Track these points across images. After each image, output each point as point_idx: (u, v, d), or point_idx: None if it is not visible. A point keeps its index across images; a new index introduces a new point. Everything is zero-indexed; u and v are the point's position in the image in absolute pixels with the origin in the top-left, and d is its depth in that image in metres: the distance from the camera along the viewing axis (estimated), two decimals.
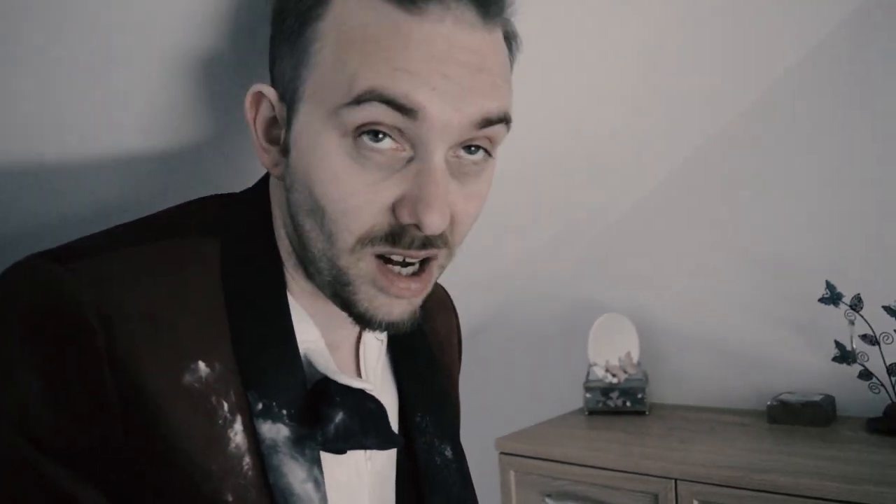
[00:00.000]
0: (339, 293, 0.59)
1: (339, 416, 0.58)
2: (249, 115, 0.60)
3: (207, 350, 0.55)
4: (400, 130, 0.54)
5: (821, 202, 1.58)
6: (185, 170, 0.85)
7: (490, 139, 0.58)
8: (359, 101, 0.52)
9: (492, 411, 2.02)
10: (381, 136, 0.53)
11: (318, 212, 0.56)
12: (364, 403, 0.61)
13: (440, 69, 0.53)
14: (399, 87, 0.52)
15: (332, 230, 0.56)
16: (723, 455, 1.34)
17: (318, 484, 0.57)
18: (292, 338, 0.59)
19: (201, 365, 0.54)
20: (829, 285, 1.47)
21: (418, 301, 0.61)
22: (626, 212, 1.85)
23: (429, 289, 0.61)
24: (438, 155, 0.55)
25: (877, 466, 1.20)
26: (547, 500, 1.48)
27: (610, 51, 1.14)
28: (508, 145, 0.65)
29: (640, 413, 1.70)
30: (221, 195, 0.66)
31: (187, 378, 0.53)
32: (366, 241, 0.56)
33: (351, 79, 0.52)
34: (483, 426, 1.75)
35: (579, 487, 1.43)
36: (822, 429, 1.46)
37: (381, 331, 0.61)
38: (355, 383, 0.61)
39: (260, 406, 0.56)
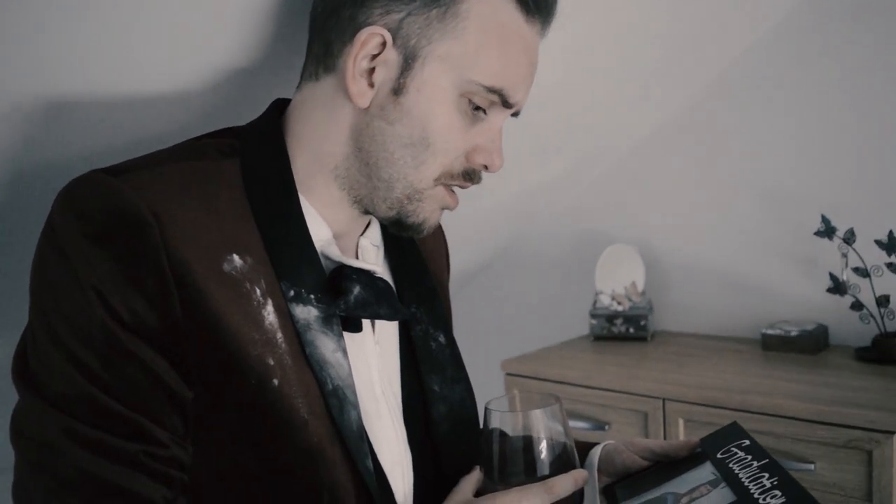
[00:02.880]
0: (402, 207, 0.73)
1: (357, 289, 0.71)
2: (356, 49, 0.69)
3: (240, 247, 0.66)
4: None
5: (818, 139, 1.61)
6: (200, 109, 0.93)
7: None
8: (490, 90, 0.70)
9: (502, 336, 2.12)
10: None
11: (421, 144, 0.71)
12: (375, 281, 0.74)
13: (531, 71, 0.74)
14: (517, 95, 0.73)
15: (426, 160, 0.71)
16: (712, 379, 1.42)
17: (345, 353, 0.70)
18: (309, 238, 0.71)
19: (236, 257, 0.66)
20: (824, 219, 1.51)
21: None
22: (633, 147, 1.89)
23: None
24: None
25: (856, 391, 1.27)
26: None
27: None
28: None
29: (643, 339, 1.79)
30: (229, 128, 0.77)
31: (225, 266, 0.65)
32: (447, 175, 0.73)
33: (490, 71, 0.70)
34: (493, 350, 1.86)
35: (577, 406, 1.54)
36: (813, 356, 1.53)
37: (419, 235, 0.77)
38: (366, 266, 0.74)
39: (292, 293, 0.68)
